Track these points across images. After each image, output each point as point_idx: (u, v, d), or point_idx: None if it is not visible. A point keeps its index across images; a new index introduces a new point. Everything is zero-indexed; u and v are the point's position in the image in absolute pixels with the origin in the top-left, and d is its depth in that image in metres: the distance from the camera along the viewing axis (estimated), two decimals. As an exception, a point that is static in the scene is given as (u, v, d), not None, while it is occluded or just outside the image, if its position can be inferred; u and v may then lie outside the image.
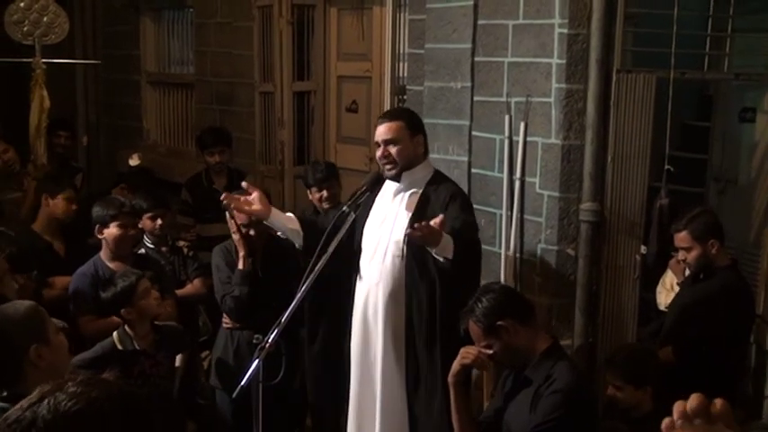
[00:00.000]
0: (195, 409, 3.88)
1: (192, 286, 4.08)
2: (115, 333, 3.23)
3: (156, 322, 3.34)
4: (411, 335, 3.20)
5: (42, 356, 2.11)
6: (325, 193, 4.12)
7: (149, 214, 4.10)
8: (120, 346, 3.20)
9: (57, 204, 4.13)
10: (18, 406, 1.08)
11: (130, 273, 3.31)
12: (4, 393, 2.01)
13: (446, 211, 3.10)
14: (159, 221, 4.11)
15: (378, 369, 3.26)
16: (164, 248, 4.16)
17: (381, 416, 3.26)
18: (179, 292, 4.02)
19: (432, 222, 2.80)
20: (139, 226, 4.13)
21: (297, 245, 3.35)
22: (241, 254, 3.53)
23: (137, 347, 3.21)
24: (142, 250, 4.11)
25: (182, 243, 4.24)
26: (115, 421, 1.08)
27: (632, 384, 2.98)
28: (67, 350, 2.34)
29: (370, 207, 3.35)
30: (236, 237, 3.53)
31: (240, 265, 3.54)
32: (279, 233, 3.47)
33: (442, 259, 2.96)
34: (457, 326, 2.75)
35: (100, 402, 1.08)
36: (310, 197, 4.26)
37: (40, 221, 4.17)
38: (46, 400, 1.07)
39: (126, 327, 3.24)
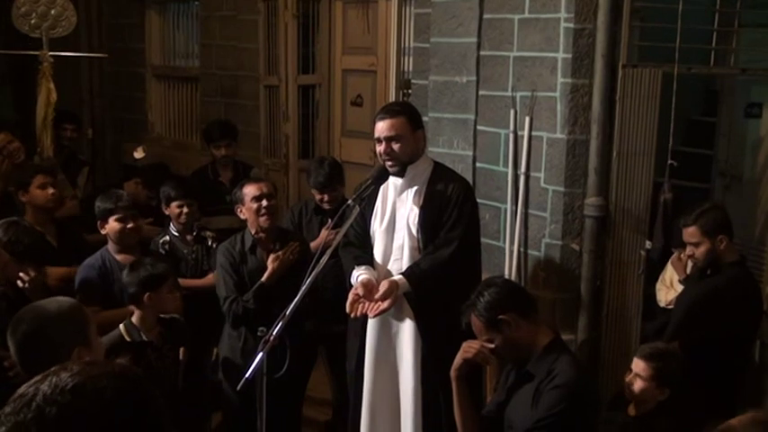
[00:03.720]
0: (201, 400, 3.88)
1: (213, 277, 4.09)
2: (122, 325, 3.23)
3: (161, 315, 3.35)
4: (432, 330, 3.23)
5: (83, 359, 2.10)
6: (326, 196, 4.10)
7: (176, 203, 4.12)
8: (127, 338, 3.21)
9: (33, 195, 4.03)
10: (26, 384, 1.15)
11: (162, 265, 3.35)
12: None
13: (451, 212, 3.21)
14: (185, 210, 4.12)
15: (396, 362, 3.29)
16: (188, 237, 4.16)
17: (393, 409, 3.28)
18: (199, 281, 4.04)
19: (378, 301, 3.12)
20: (166, 213, 4.18)
21: None
22: (270, 270, 3.56)
23: (144, 339, 3.23)
24: (167, 237, 4.13)
25: (207, 233, 4.23)
26: (111, 393, 1.13)
27: (656, 381, 2.96)
28: (105, 352, 2.33)
29: (374, 203, 3.35)
30: (273, 258, 3.57)
31: (264, 279, 3.57)
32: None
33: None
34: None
35: (98, 377, 1.14)
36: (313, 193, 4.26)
37: (29, 215, 4.04)
38: (48, 379, 1.14)
39: (133, 318, 3.25)
